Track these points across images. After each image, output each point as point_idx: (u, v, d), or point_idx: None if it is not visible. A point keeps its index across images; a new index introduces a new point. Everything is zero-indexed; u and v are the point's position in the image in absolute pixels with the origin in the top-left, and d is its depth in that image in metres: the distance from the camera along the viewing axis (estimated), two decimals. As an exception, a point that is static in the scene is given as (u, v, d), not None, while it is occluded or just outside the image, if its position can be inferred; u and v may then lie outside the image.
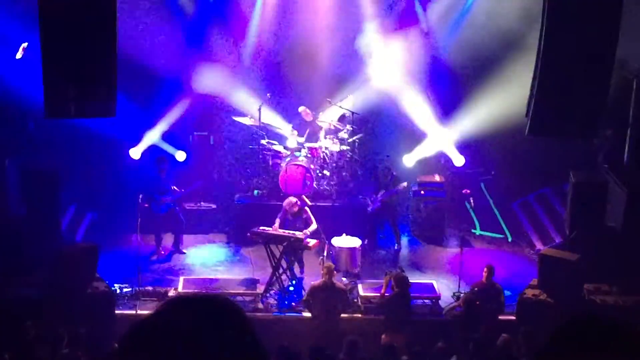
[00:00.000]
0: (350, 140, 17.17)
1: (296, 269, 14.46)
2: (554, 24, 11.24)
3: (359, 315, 13.48)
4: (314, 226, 14.27)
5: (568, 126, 11.63)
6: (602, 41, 11.16)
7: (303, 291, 13.68)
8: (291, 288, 13.97)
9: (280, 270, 14.07)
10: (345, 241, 14.69)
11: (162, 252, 15.69)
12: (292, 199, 14.60)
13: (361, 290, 13.81)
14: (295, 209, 14.41)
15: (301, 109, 17.25)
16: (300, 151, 16.89)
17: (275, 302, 13.80)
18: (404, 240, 16.81)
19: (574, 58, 11.23)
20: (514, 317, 13.20)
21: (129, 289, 13.95)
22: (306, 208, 14.62)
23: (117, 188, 16.76)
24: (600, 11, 11.07)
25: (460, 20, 17.71)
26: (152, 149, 17.11)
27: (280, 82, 18.13)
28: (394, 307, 12.64)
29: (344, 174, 17.17)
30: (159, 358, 1.71)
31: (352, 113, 17.17)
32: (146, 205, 14.99)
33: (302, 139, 17.07)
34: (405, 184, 16.02)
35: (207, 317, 1.78)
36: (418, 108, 17.61)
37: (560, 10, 11.18)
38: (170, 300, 1.86)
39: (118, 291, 13.79)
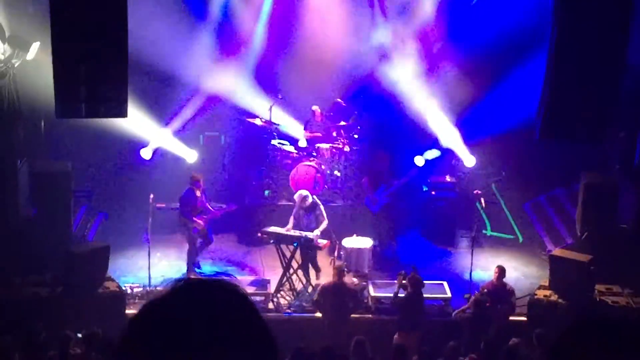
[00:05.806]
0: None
1: (312, 274, 14.37)
2: (565, 27, 11.18)
3: (370, 316, 13.47)
4: (325, 224, 14.21)
5: (578, 130, 11.56)
6: (613, 44, 11.11)
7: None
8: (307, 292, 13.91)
9: (291, 271, 14.06)
10: (356, 242, 14.67)
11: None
12: (303, 192, 14.46)
13: (372, 291, 13.79)
14: (307, 202, 14.33)
15: (314, 107, 17.25)
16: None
17: (286, 302, 13.80)
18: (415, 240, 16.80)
19: (584, 61, 11.16)
20: (524, 318, 13.17)
21: (140, 289, 13.97)
22: (319, 204, 14.58)
23: (128, 188, 16.77)
24: (611, 14, 11.01)
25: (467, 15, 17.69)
26: (163, 149, 17.14)
27: (291, 82, 18.09)
28: (408, 307, 12.63)
29: (354, 174, 17.15)
30: (167, 342, 1.71)
31: (363, 113, 17.15)
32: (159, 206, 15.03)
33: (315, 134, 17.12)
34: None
35: (215, 298, 1.78)
36: (429, 108, 17.57)
37: (571, 13, 11.13)
38: (178, 284, 1.81)
39: (129, 291, 13.81)
